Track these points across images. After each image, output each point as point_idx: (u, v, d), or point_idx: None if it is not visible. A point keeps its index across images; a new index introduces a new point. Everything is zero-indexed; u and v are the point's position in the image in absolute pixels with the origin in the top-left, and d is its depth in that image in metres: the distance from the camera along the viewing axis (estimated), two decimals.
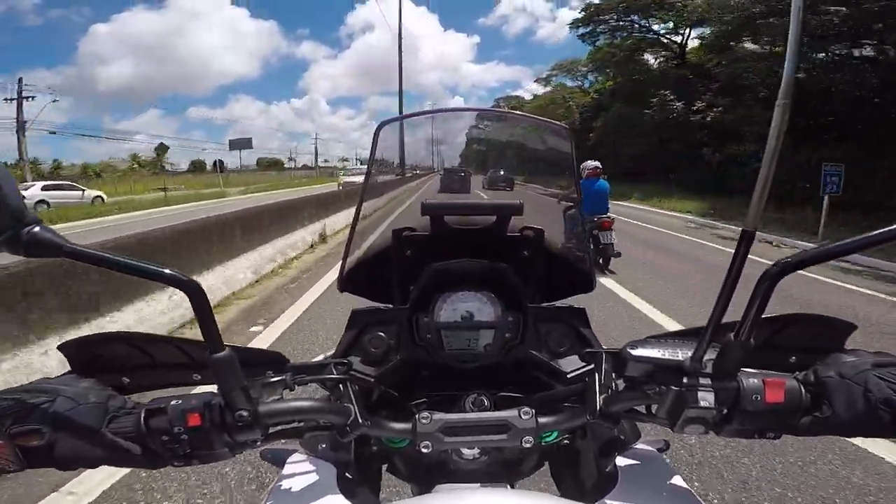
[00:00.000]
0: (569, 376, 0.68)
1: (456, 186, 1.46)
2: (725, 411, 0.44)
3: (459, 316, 0.71)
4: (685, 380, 0.44)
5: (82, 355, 0.51)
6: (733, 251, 0.41)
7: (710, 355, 0.44)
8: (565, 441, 0.68)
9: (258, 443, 0.46)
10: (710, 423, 0.45)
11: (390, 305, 0.77)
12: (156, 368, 0.54)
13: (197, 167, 60.14)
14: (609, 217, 5.73)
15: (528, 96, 40.06)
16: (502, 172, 1.38)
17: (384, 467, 0.73)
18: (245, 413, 0.44)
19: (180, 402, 0.45)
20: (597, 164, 5.94)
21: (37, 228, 0.38)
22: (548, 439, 0.66)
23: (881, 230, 0.37)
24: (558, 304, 0.77)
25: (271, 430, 0.48)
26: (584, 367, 0.67)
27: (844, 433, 0.45)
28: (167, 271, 0.41)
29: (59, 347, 0.51)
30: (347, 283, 0.78)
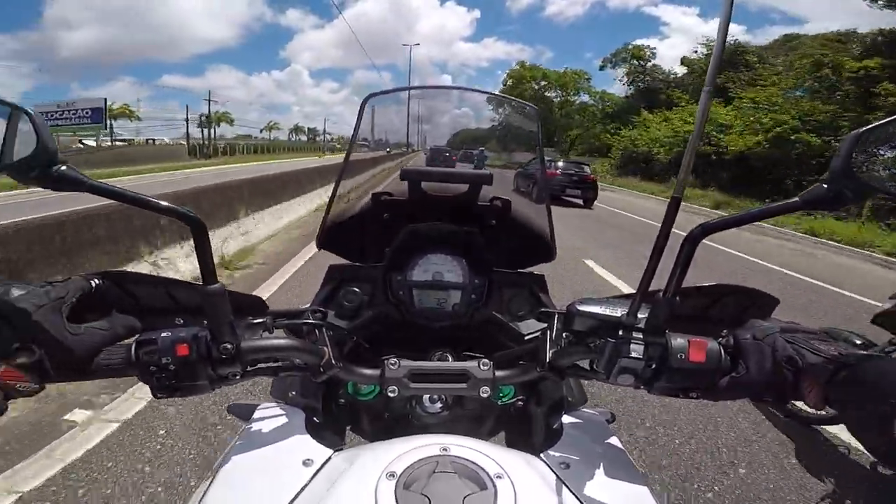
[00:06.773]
0: (526, 337, 0.74)
1: (440, 165, 1.51)
2: (654, 366, 0.48)
3: (431, 276, 0.76)
4: (620, 332, 0.48)
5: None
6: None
7: (646, 314, 0.48)
8: (519, 402, 0.72)
9: (237, 377, 0.49)
10: (639, 375, 0.48)
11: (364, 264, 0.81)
12: (139, 311, 0.55)
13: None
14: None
15: None
16: (476, 151, 1.46)
17: (348, 428, 0.76)
18: (229, 346, 0.46)
19: (170, 333, 0.46)
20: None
21: (64, 167, 0.41)
22: (504, 399, 0.70)
23: (780, 202, 0.43)
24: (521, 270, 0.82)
25: (249, 367, 0.50)
26: (539, 328, 0.72)
27: (756, 394, 0.49)
28: (172, 206, 0.43)
29: None
30: (326, 241, 0.83)
